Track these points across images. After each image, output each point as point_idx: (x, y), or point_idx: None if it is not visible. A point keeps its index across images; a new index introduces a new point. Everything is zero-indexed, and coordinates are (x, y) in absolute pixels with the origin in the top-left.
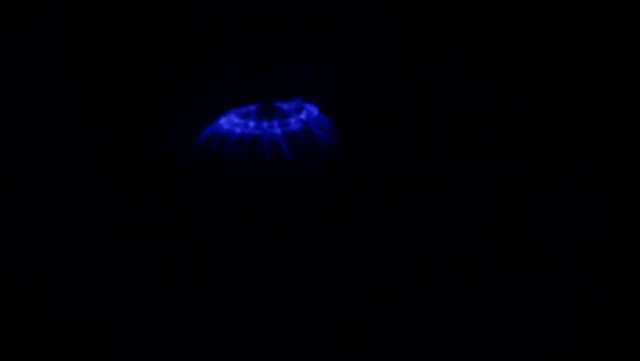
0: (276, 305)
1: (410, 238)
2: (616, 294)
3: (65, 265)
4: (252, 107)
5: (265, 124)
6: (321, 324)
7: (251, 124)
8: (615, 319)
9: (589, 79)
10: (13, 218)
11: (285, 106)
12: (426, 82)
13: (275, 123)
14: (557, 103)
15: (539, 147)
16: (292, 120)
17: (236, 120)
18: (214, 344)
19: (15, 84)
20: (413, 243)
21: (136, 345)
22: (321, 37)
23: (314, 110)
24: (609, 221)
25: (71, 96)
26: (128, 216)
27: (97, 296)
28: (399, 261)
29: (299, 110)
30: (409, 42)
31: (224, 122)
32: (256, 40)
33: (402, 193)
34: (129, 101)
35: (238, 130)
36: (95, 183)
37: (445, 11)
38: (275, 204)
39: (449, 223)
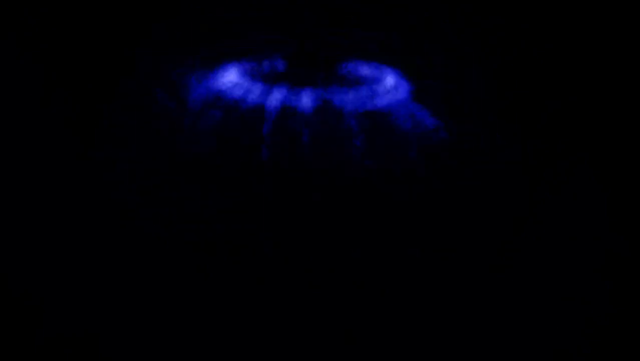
0: (276, 304)
1: (409, 236)
2: (616, 294)
3: (65, 265)
4: (275, 63)
5: (305, 96)
6: (321, 324)
7: (277, 91)
8: (615, 319)
9: (589, 78)
10: (13, 217)
11: (347, 70)
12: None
13: (331, 94)
14: (557, 103)
15: (539, 148)
16: (363, 94)
17: (243, 81)
18: (214, 344)
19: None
20: (412, 242)
21: (136, 345)
22: None
23: (400, 88)
24: (608, 221)
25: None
26: (128, 215)
27: (97, 296)
28: (399, 261)
29: (370, 81)
30: None
31: (225, 81)
32: None
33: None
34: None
35: (251, 97)
36: (95, 182)
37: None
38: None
39: (448, 222)
